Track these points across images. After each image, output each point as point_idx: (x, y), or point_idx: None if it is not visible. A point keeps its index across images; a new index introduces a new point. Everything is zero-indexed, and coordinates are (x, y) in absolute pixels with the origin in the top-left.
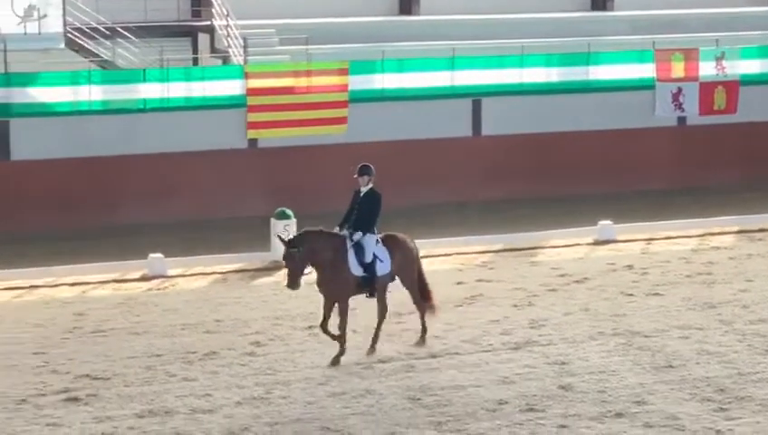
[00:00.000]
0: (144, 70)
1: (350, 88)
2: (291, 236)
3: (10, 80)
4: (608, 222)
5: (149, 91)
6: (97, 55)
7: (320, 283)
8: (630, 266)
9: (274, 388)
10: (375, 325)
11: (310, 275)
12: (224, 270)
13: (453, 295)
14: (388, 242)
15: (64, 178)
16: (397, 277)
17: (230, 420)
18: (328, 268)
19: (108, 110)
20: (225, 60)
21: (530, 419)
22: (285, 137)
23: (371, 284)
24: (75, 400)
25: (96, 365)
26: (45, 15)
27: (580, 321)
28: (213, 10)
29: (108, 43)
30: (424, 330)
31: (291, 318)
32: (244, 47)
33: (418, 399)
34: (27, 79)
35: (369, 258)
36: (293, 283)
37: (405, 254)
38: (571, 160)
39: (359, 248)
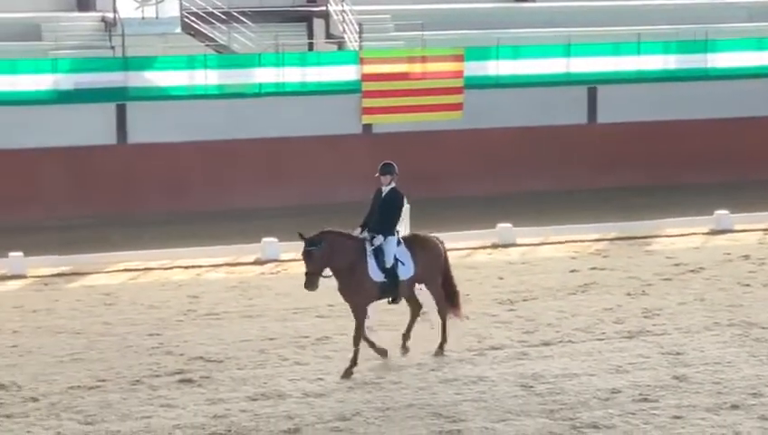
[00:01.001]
0: (259, 55)
1: (465, 74)
2: (311, 235)
3: (127, 64)
4: (724, 212)
5: (265, 75)
6: (213, 40)
7: (341, 289)
8: (747, 257)
9: (386, 373)
10: (408, 323)
11: (330, 278)
12: None
13: (566, 283)
14: (411, 243)
15: (180, 161)
16: (421, 281)
17: (342, 405)
18: (347, 273)
19: (223, 94)
20: (341, 45)
21: (643, 409)
22: (400, 123)
23: (394, 289)
24: (189, 381)
25: (210, 348)
26: (163, 0)
27: (696, 311)
28: None
29: (224, 27)
30: (444, 339)
31: (402, 304)
32: (360, 33)
33: (531, 386)
34: (144, 63)
35: (389, 262)
36: (311, 283)
37: (430, 255)
38: (687, 149)
39: (379, 252)
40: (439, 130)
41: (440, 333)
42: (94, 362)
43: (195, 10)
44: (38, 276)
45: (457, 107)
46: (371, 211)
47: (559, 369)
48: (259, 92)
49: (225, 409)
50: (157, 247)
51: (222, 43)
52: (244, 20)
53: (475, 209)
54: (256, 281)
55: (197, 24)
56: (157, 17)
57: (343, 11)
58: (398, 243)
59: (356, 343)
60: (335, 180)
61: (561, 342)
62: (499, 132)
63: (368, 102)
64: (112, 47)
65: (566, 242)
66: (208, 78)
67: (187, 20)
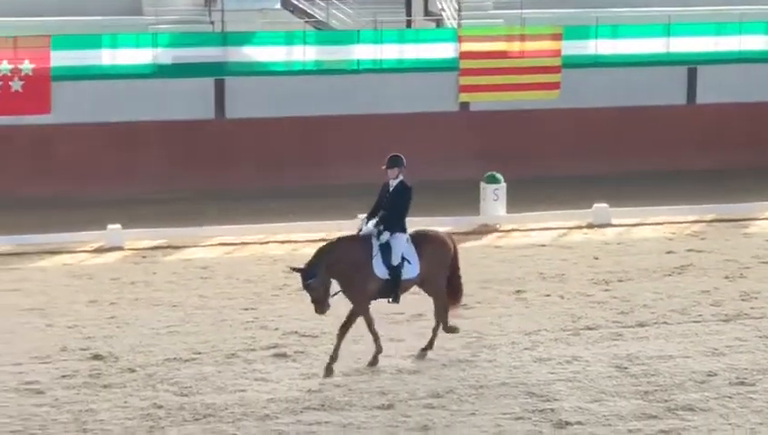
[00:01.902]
0: (358, 31)
1: (563, 53)
2: (302, 266)
3: (226, 39)
4: None
5: (363, 52)
6: (312, 16)
7: (342, 286)
8: None
9: (480, 351)
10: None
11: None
12: None
13: (663, 264)
14: (419, 241)
15: (277, 137)
16: (424, 281)
17: (435, 382)
18: (351, 272)
19: (321, 70)
20: (439, 23)
21: (740, 392)
22: (497, 101)
23: (395, 288)
24: (284, 356)
25: (304, 323)
26: None
27: None
28: None
29: (322, 4)
30: (431, 342)
31: (498, 282)
32: (458, 10)
33: (625, 367)
34: (243, 38)
35: (396, 260)
36: (320, 309)
37: (436, 254)
38: None
39: (386, 249)
40: (536, 108)
41: (431, 334)
42: (190, 335)
43: None
44: (136, 249)
45: (555, 86)
46: (377, 204)
47: (654, 350)
48: (357, 69)
49: (320, 383)
50: (253, 222)
51: (320, 19)
52: None
53: (571, 189)
54: None
55: (297, 1)
56: None
57: None
58: (407, 240)
59: (373, 334)
60: (431, 158)
61: (656, 323)
62: (596, 112)
63: (465, 80)
64: (212, 22)
65: (663, 223)
66: (306, 54)
67: None
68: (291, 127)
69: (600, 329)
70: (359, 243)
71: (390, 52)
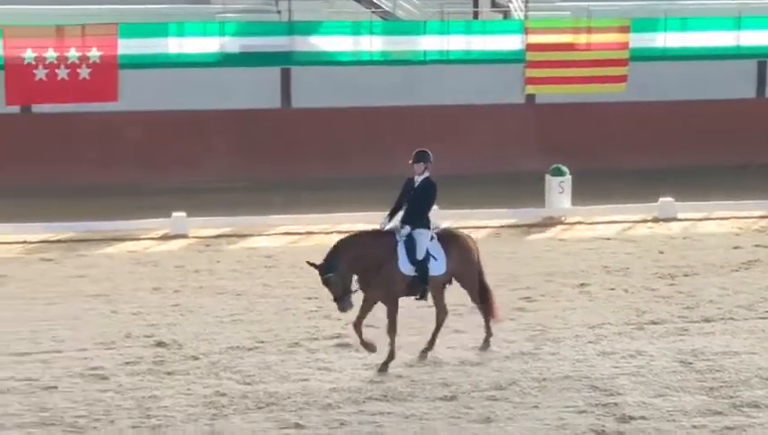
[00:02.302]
0: (425, 22)
1: (630, 46)
2: (320, 262)
3: (293, 28)
4: None
5: (429, 43)
6: (378, 6)
7: (361, 283)
8: None
9: (544, 344)
10: (434, 328)
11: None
12: (498, 224)
13: (729, 260)
14: (445, 238)
15: (342, 126)
16: (454, 279)
17: (498, 374)
18: (375, 269)
19: (387, 60)
20: (506, 15)
21: None
22: (563, 93)
23: (423, 285)
24: (346, 346)
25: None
26: None
27: None
28: None
29: None
30: (488, 333)
31: (563, 275)
32: (526, 2)
33: (690, 363)
34: (309, 28)
35: (421, 255)
36: (343, 306)
37: (463, 253)
38: None
39: (410, 244)
40: (602, 102)
41: (485, 328)
42: (254, 324)
43: None
44: (200, 237)
45: (621, 79)
46: (400, 200)
47: (719, 346)
48: (424, 60)
49: (383, 373)
50: (317, 212)
51: (387, 9)
52: None
53: (637, 183)
54: None
55: None
56: None
57: None
58: (432, 238)
59: (391, 336)
60: (496, 150)
61: (722, 319)
62: (663, 106)
63: (531, 72)
64: (278, 11)
65: (729, 218)
66: (373, 44)
67: None
68: (356, 117)
69: (664, 324)
70: (382, 238)
71: (457, 43)
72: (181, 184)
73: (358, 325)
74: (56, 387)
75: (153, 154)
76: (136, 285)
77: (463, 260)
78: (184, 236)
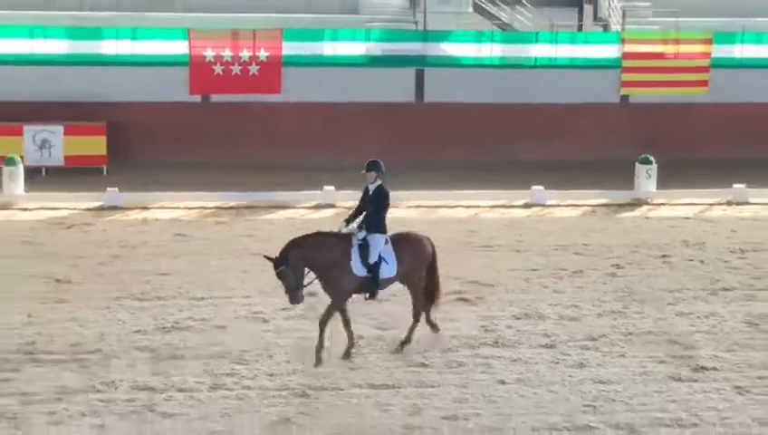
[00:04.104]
0: (537, 33)
1: (712, 55)
2: (276, 255)
3: (427, 36)
4: None
5: (540, 51)
6: (498, 19)
7: (322, 283)
8: None
9: (630, 304)
10: (423, 317)
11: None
12: (593, 203)
13: None
14: (398, 242)
15: (466, 118)
16: (403, 280)
17: (591, 328)
18: (327, 268)
19: (504, 64)
20: (606, 27)
21: None
22: (653, 95)
23: (374, 286)
24: (466, 300)
25: (484, 274)
26: None
27: None
28: None
29: (508, 9)
30: (408, 339)
31: (647, 247)
32: (623, 17)
33: (756, 324)
34: (441, 36)
35: (374, 259)
36: (294, 298)
37: (415, 255)
38: None
39: (364, 248)
40: (686, 102)
41: (407, 331)
42: None
43: None
44: (346, 207)
45: (703, 84)
46: (358, 207)
47: None
48: (535, 65)
49: (494, 324)
50: (444, 189)
51: (506, 21)
52: (526, 3)
53: (713, 171)
54: (524, 221)
55: (486, 6)
56: None
57: None
58: (386, 241)
59: (348, 331)
60: (595, 141)
61: None
62: (738, 106)
63: (626, 77)
64: (415, 22)
65: None
66: (493, 51)
67: (478, 2)
68: (478, 111)
69: (735, 290)
70: (336, 239)
71: (563, 50)
72: (331, 163)
73: (324, 323)
74: (225, 326)
75: (308, 137)
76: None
77: (414, 263)
78: (332, 206)
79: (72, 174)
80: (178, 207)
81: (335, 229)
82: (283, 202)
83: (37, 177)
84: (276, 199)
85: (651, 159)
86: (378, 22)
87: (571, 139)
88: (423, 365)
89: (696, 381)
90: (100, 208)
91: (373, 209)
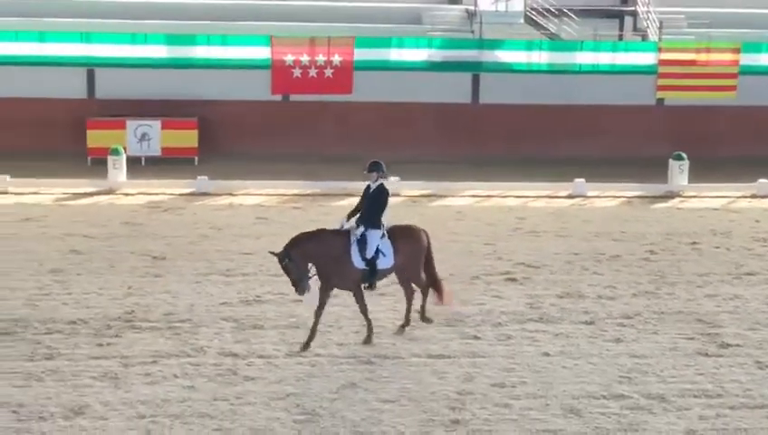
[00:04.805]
0: (581, 42)
1: (740, 63)
2: (279, 250)
3: (482, 44)
4: None
5: (584, 58)
6: (547, 29)
7: (319, 274)
8: None
9: (662, 286)
10: (420, 305)
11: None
12: (629, 195)
13: None
14: (395, 235)
15: (517, 118)
16: (400, 270)
17: (627, 307)
18: (330, 263)
19: (551, 70)
20: (644, 37)
21: None
22: (686, 99)
23: (372, 277)
24: (514, 280)
25: (530, 256)
26: None
27: None
28: None
29: (555, 20)
30: (406, 321)
31: (679, 235)
32: (660, 28)
33: None
34: (494, 44)
35: (370, 254)
36: (300, 289)
37: (412, 247)
38: None
39: (362, 243)
40: (716, 105)
41: (405, 312)
42: (445, 262)
43: (535, 6)
44: (409, 196)
45: (732, 89)
46: (359, 205)
47: None
48: (579, 71)
49: (539, 302)
50: (496, 181)
51: (553, 31)
52: (572, 15)
53: (740, 167)
54: (568, 210)
55: (536, 17)
56: (506, 11)
57: (648, 11)
58: (383, 235)
59: (364, 314)
60: (632, 140)
61: None
62: (765, 110)
63: (662, 82)
64: (472, 31)
65: None
66: (541, 58)
67: (528, 13)
68: (527, 111)
69: (758, 275)
70: (337, 236)
71: (605, 58)
72: (393, 157)
73: (318, 312)
74: (302, 301)
75: (376, 133)
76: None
77: (411, 254)
78: (397, 195)
79: (168, 163)
80: (260, 194)
81: (337, 226)
82: (354, 190)
83: (137, 166)
84: (347, 188)
85: (683, 155)
86: (438, 31)
87: (610, 137)
88: (475, 338)
89: (721, 356)
90: (192, 194)
91: (372, 207)
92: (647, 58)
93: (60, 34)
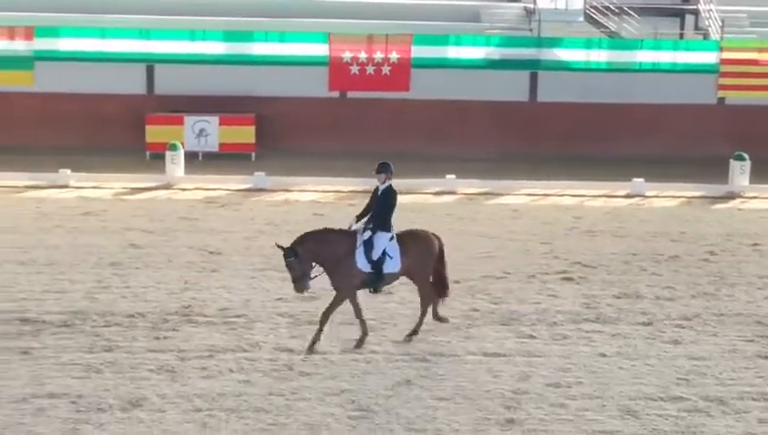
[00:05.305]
0: (641, 40)
1: None
2: (288, 245)
3: (541, 42)
4: None
5: (644, 56)
6: (606, 27)
7: (327, 274)
8: None
9: (722, 287)
10: (432, 310)
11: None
12: (689, 195)
13: None
14: (404, 239)
15: (576, 117)
16: (409, 274)
17: (686, 308)
18: (334, 264)
19: (611, 69)
20: (705, 36)
21: None
22: (747, 98)
23: (377, 281)
24: (570, 279)
25: (587, 256)
26: None
27: None
28: None
29: (615, 18)
30: (417, 326)
31: (740, 236)
32: (722, 27)
33: None
34: (553, 42)
35: (376, 256)
36: (299, 287)
37: (421, 251)
38: None
39: (368, 245)
40: None
41: (417, 320)
42: (502, 260)
43: (595, 4)
44: (466, 194)
45: None
46: (368, 206)
47: None
48: (639, 69)
49: (595, 302)
50: (552, 179)
51: (613, 30)
52: (632, 13)
53: None
54: (626, 210)
55: (596, 15)
56: (566, 8)
57: (710, 9)
58: (392, 238)
59: (322, 323)
60: (693, 139)
61: None
62: None
63: (724, 81)
64: (530, 29)
65: None
66: (600, 56)
67: (588, 12)
68: (586, 110)
69: None
70: (343, 236)
71: (666, 57)
72: (453, 154)
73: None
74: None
75: (433, 130)
76: (415, 227)
77: (419, 258)
78: (453, 193)
79: (225, 159)
80: (317, 191)
81: (346, 226)
82: (409, 188)
83: (195, 161)
84: (403, 185)
85: (745, 156)
86: (496, 29)
87: (669, 136)
88: (531, 337)
89: None
90: (249, 190)
91: (380, 209)
92: (708, 57)
93: (120, 31)
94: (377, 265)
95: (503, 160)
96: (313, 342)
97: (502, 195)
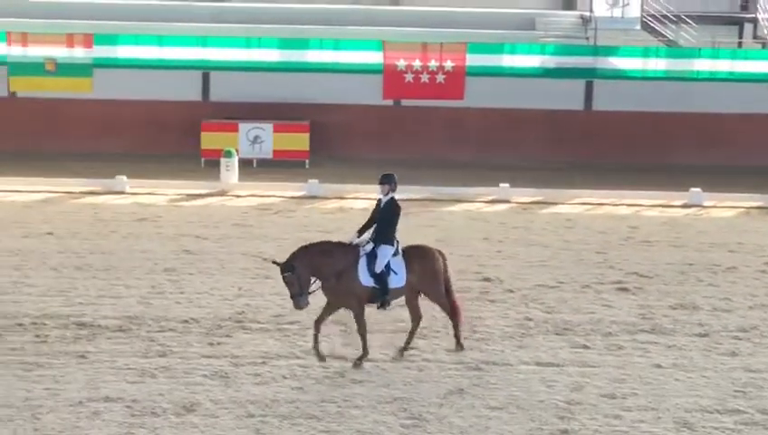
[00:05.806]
0: (699, 49)
1: None
2: (283, 261)
3: (597, 51)
4: None
5: (702, 65)
6: (664, 36)
7: (324, 288)
8: None
9: None
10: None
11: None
12: (747, 205)
13: None
14: (409, 254)
15: (631, 126)
16: (418, 290)
17: (743, 320)
18: (334, 278)
19: (669, 77)
20: (764, 45)
21: None
22: None
23: (383, 296)
24: (625, 290)
25: (642, 266)
26: (628, 4)
27: None
28: (758, 5)
29: (673, 27)
30: (457, 339)
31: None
32: None
33: None
34: (610, 51)
35: (379, 269)
36: (298, 304)
37: (426, 266)
38: None
39: (371, 258)
40: None
41: (454, 332)
42: (556, 269)
43: (652, 12)
44: (519, 203)
45: None
46: (370, 218)
47: None
48: (696, 78)
49: (651, 313)
50: (608, 189)
51: (671, 38)
52: (690, 22)
53: None
54: (682, 220)
55: (653, 23)
56: (622, 17)
57: None
58: (396, 253)
59: (362, 335)
60: (753, 148)
61: None
62: None
63: None
64: (587, 38)
65: None
66: (658, 64)
67: (645, 20)
68: (641, 119)
69: None
70: (343, 249)
71: (724, 65)
72: (507, 162)
73: (318, 324)
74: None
75: (487, 139)
76: (469, 235)
77: (425, 274)
78: (507, 202)
79: (279, 166)
80: (370, 198)
81: (347, 240)
82: (463, 196)
83: (249, 168)
84: (457, 194)
85: None
86: (552, 38)
87: (727, 146)
88: (585, 347)
89: None
90: (303, 197)
91: (383, 221)
92: (766, 66)
93: (177, 38)
94: (380, 278)
95: (557, 169)
96: (363, 356)
97: (556, 204)
